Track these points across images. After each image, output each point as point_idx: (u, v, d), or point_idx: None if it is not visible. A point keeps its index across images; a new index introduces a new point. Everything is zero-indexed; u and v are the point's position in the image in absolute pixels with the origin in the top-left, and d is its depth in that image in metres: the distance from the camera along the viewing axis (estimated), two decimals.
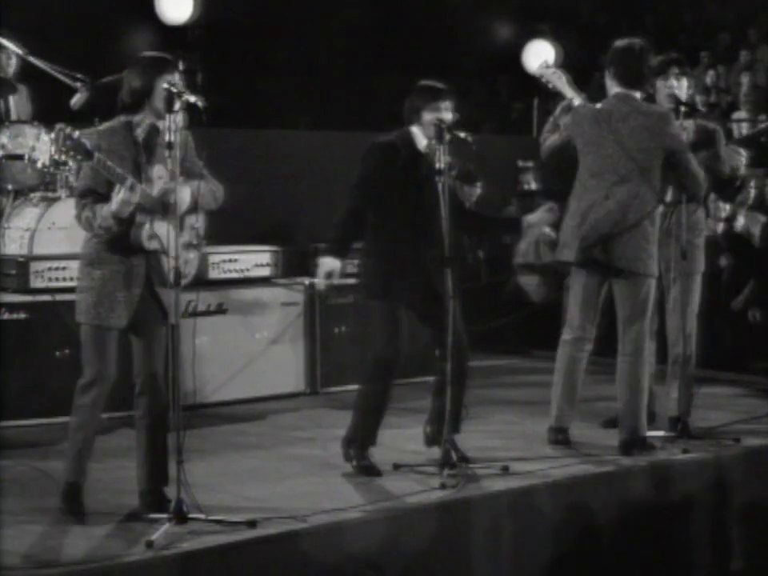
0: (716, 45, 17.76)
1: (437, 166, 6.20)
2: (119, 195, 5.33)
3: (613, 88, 6.87)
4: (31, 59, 8.49)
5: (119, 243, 5.47)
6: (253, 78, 15.17)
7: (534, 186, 11.18)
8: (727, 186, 7.34)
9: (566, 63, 13.00)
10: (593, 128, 6.82)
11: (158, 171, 5.52)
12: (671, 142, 6.77)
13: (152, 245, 5.50)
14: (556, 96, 7.21)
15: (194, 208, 5.62)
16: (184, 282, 5.53)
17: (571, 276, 7.04)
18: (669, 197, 7.10)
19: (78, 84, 8.33)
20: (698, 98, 16.51)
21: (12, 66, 8.69)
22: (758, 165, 12.25)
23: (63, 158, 5.32)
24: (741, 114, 15.47)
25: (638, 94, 6.84)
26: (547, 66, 7.18)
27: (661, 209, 6.96)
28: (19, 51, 8.53)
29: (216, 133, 8.71)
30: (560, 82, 7.10)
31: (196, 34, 11.74)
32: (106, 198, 5.39)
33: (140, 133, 5.54)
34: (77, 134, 5.33)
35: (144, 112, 5.52)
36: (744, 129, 14.77)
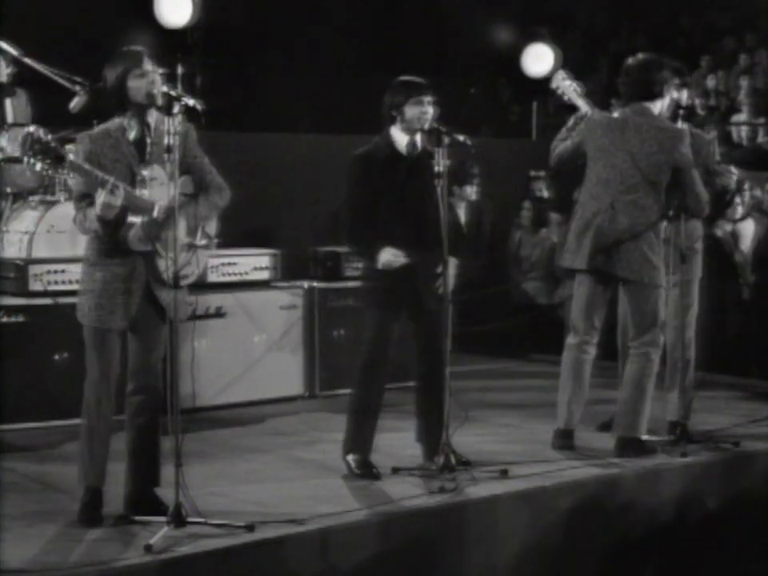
0: (719, 49, 17.79)
1: (436, 168, 6.20)
2: (101, 198, 5.30)
3: (629, 102, 6.93)
4: (30, 62, 8.48)
5: (116, 245, 5.45)
6: (251, 80, 15.16)
7: (545, 194, 11.17)
8: (717, 201, 7.38)
9: (565, 66, 13.01)
10: (606, 135, 6.86)
11: (151, 172, 5.47)
12: (680, 159, 6.81)
13: (141, 246, 5.47)
14: (563, 104, 7.24)
15: (194, 204, 5.59)
16: (184, 282, 5.53)
17: (575, 281, 7.04)
18: (670, 211, 7.13)
19: (77, 87, 8.32)
20: (698, 102, 16.56)
21: (5, 72, 8.67)
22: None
23: (32, 161, 5.28)
24: (740, 117, 15.50)
25: (653, 107, 6.88)
26: (563, 79, 7.22)
27: (665, 222, 6.99)
28: (17, 54, 8.52)
29: (215, 136, 8.66)
30: (575, 94, 7.16)
31: (195, 37, 11.74)
32: None
33: (131, 134, 5.52)
34: (47, 137, 5.30)
35: (129, 111, 5.51)
36: (743, 132, 14.80)
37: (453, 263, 6.36)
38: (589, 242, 6.81)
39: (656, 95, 6.88)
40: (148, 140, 5.52)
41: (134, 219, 5.43)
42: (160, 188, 5.48)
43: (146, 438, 5.62)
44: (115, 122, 5.54)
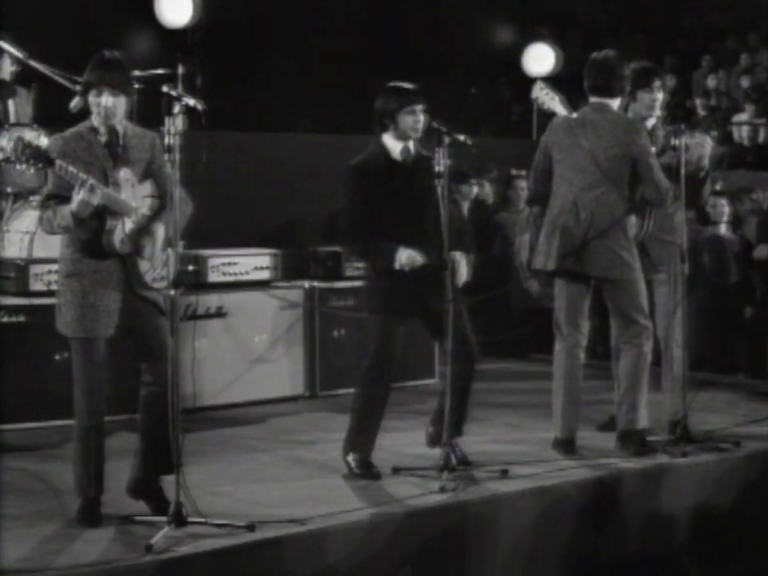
0: (720, 49, 17.81)
1: (436, 168, 6.19)
2: (79, 195, 5.32)
3: (589, 98, 6.95)
4: (31, 62, 8.49)
5: (92, 251, 5.47)
6: (252, 80, 15.19)
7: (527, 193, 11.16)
8: (692, 179, 7.20)
9: (565, 66, 13.04)
10: (566, 136, 6.88)
11: (124, 174, 5.51)
12: (637, 150, 6.79)
13: (125, 248, 5.50)
14: (551, 116, 7.23)
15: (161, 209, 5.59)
16: (162, 284, 5.53)
17: (555, 287, 7.03)
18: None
19: (78, 87, 8.32)
20: (698, 101, 16.58)
21: (8, 70, 8.67)
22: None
23: (24, 167, 5.35)
24: (741, 116, 15.53)
25: (613, 103, 6.89)
26: (541, 89, 7.23)
27: (633, 218, 6.95)
28: (19, 54, 8.53)
29: (215, 136, 8.70)
30: (553, 102, 7.16)
31: (195, 37, 11.76)
32: (70, 200, 5.38)
33: (103, 138, 5.54)
34: (36, 142, 5.35)
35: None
36: (744, 131, 14.82)
37: (462, 258, 6.36)
38: (557, 243, 6.81)
39: (614, 93, 6.86)
40: (119, 145, 5.54)
41: (113, 223, 5.46)
42: (132, 189, 5.54)
43: (160, 425, 5.52)
44: (86, 124, 5.57)
